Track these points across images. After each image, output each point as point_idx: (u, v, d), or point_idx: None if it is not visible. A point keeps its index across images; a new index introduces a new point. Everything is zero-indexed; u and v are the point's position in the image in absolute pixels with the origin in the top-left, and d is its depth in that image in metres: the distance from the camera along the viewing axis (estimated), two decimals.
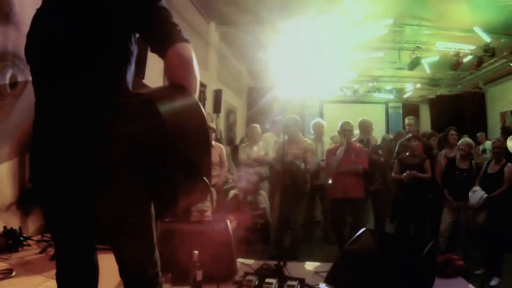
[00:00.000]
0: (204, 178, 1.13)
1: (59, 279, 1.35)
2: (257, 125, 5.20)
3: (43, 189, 1.31)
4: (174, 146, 1.07)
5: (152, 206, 1.34)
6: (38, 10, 1.29)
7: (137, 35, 1.28)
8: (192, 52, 1.19)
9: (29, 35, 1.29)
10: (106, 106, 1.19)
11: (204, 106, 7.90)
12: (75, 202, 1.26)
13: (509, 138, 4.26)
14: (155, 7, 1.22)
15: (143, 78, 4.48)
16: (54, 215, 1.34)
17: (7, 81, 3.43)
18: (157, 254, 1.39)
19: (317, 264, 3.69)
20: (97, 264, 1.41)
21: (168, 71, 1.18)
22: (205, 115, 1.15)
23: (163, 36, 1.19)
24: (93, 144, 1.18)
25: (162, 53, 1.18)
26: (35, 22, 1.28)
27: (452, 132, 4.74)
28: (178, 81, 1.16)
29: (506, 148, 4.19)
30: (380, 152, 4.76)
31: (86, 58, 1.20)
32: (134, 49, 1.29)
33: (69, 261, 1.35)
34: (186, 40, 1.19)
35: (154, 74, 5.11)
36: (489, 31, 7.32)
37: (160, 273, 1.41)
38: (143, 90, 1.18)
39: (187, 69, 1.17)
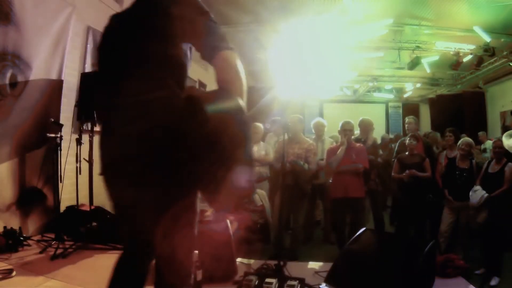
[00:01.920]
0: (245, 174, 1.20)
1: (113, 273, 1.40)
2: (260, 125, 5.18)
3: (108, 189, 1.40)
4: (217, 144, 1.17)
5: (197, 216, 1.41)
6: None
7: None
8: (237, 58, 1.36)
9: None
10: (163, 108, 1.30)
11: None
12: (133, 206, 1.31)
13: (504, 135, 4.22)
14: (207, 25, 1.36)
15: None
16: (117, 215, 1.44)
17: (7, 81, 3.43)
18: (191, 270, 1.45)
19: (317, 264, 3.69)
20: (147, 272, 1.45)
21: (216, 75, 1.32)
22: (247, 115, 1.27)
23: (211, 46, 1.35)
24: (152, 150, 1.26)
25: (210, 60, 1.34)
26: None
27: (447, 134, 4.75)
28: (224, 83, 1.31)
29: None
30: (381, 152, 4.75)
31: (149, 76, 1.33)
32: (188, 60, 1.44)
33: (125, 262, 1.41)
34: (231, 48, 1.36)
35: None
36: (489, 30, 7.32)
37: None
38: (194, 92, 1.32)
39: (231, 72, 1.33)
